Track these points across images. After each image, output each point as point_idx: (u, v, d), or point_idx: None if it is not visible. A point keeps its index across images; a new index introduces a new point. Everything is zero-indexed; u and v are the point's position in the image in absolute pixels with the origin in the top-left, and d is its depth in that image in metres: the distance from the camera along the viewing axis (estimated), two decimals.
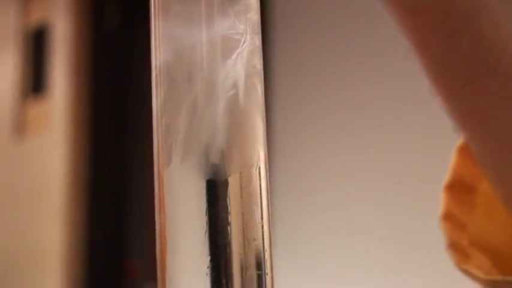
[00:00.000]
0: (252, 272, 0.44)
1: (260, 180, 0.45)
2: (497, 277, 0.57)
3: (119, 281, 5.96)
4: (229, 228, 0.44)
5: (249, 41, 0.46)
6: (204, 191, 0.44)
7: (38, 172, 6.18)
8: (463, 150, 0.60)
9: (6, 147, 6.44)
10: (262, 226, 0.45)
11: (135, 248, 5.86)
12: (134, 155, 5.93)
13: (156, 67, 0.46)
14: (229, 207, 0.44)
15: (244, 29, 0.46)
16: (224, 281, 0.43)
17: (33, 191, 6.21)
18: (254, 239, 0.44)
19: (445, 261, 0.61)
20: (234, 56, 0.45)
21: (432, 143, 3.95)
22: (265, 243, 0.45)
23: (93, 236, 6.03)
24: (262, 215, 0.45)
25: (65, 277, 5.91)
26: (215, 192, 0.44)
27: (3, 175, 6.44)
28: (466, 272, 0.59)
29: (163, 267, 0.44)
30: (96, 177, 6.05)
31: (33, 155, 6.20)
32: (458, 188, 0.61)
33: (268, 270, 0.45)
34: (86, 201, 6.01)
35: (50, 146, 6.04)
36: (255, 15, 0.46)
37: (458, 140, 0.61)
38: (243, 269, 0.44)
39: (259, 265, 0.44)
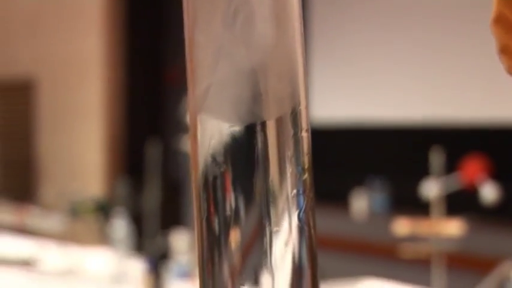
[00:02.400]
0: None
1: None
2: None
3: (158, 88, 6.02)
4: None
5: None
6: None
7: None
8: None
9: None
10: None
11: (175, 55, 5.88)
12: None
13: None
14: None
15: None
16: None
17: None
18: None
19: (496, 68, 0.58)
20: None
21: None
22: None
23: (133, 43, 6.04)
24: None
25: (106, 84, 5.97)
26: None
27: None
28: None
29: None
30: None
31: None
32: None
33: None
34: (125, 6, 5.97)
35: None
36: None
37: None
38: None
39: None
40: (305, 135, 0.42)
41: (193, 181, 0.42)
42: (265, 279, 0.40)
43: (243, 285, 0.40)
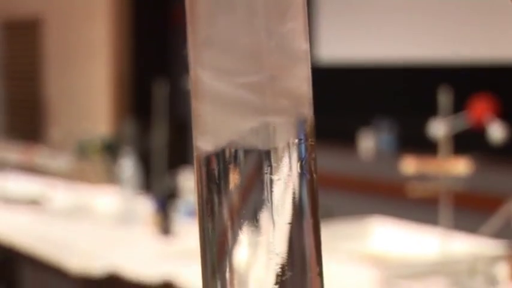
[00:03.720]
0: None
1: None
2: None
3: (165, 27, 5.98)
4: None
5: None
6: None
7: None
8: None
9: None
10: None
11: None
12: None
13: None
14: None
15: None
16: None
17: None
18: None
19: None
20: None
21: None
22: None
23: None
24: None
25: (113, 23, 5.94)
26: None
27: None
28: None
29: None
30: None
31: None
32: None
33: None
34: None
35: None
36: None
37: None
38: None
39: None
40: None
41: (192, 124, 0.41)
42: (265, 223, 0.40)
43: (242, 229, 0.40)
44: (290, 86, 0.39)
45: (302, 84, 0.40)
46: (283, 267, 0.39)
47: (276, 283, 0.39)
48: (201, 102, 0.40)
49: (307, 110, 0.40)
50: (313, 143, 0.40)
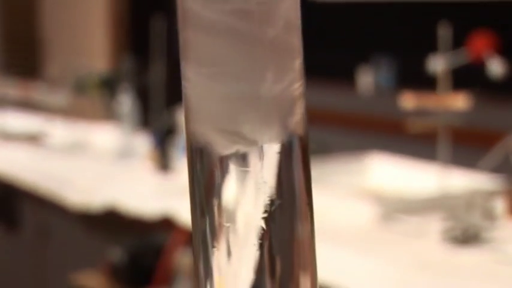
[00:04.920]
0: None
1: None
2: None
3: None
4: None
5: None
6: None
7: None
8: None
9: None
10: None
11: None
12: None
13: None
14: None
15: None
16: None
17: None
18: None
19: None
20: None
21: None
22: None
23: None
24: None
25: None
26: None
27: None
28: None
29: None
30: None
31: None
32: None
33: None
34: None
35: None
36: None
37: None
38: None
39: None
40: None
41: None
42: (253, 153, 0.39)
43: (231, 160, 0.39)
44: (278, 13, 0.38)
45: (290, 11, 0.38)
46: (271, 197, 0.38)
47: (265, 212, 0.38)
48: (189, 31, 0.39)
49: (296, 39, 0.39)
50: (301, 71, 0.39)
